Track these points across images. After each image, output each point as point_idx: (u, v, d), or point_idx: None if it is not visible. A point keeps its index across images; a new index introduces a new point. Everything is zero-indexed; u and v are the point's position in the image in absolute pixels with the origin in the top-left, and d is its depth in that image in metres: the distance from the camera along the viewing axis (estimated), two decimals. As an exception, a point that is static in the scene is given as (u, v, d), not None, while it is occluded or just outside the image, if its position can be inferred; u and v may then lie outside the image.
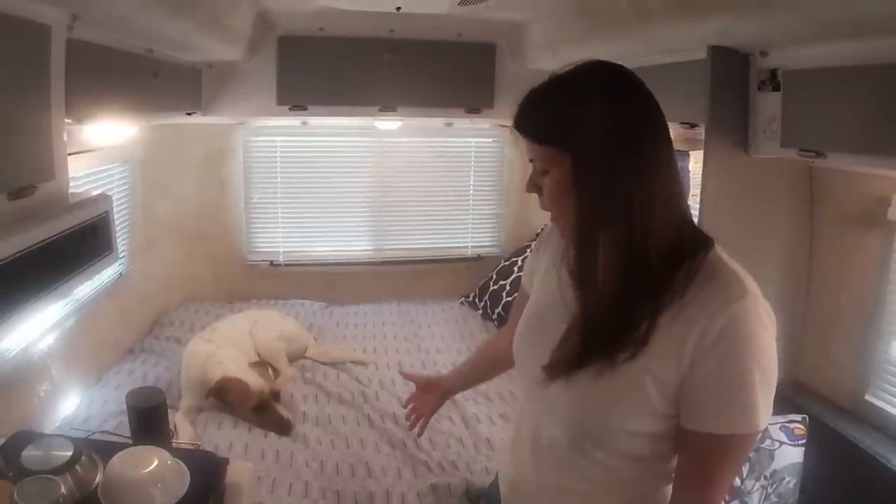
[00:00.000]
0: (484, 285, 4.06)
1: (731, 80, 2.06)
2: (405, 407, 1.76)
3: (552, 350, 1.07)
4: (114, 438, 1.85)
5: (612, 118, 0.95)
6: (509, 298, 3.69)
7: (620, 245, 0.96)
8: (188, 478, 1.43)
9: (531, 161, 1.05)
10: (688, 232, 1.01)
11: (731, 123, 2.10)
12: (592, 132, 0.95)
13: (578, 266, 1.03)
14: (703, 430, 0.94)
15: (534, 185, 1.06)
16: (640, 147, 0.96)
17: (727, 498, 2.01)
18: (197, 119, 3.27)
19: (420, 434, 1.72)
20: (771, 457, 2.06)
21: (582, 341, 1.01)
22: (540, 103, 1.02)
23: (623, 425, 1.00)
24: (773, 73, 1.97)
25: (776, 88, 1.97)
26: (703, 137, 2.15)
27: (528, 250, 3.76)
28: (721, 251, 1.00)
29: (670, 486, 1.06)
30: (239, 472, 1.67)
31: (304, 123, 3.87)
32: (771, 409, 0.95)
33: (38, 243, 1.45)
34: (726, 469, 0.99)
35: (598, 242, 0.99)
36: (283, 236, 4.18)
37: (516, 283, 3.66)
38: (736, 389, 0.92)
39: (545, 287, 1.21)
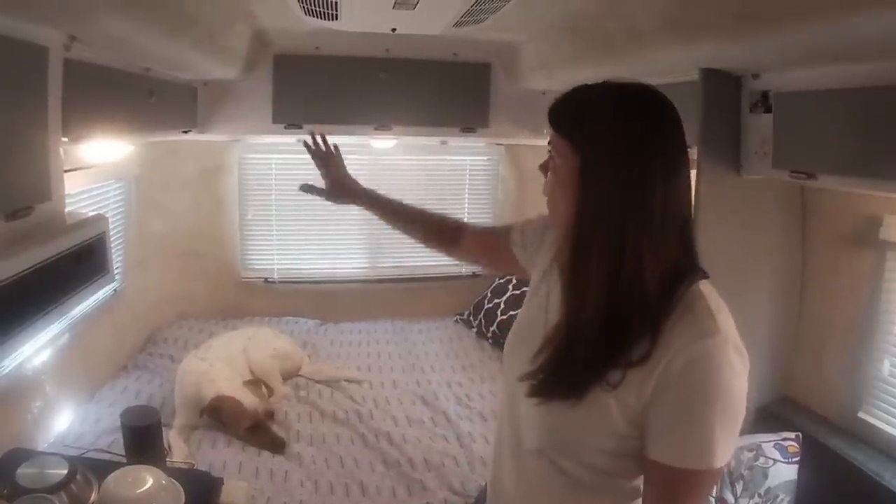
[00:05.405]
0: (479, 303, 4.06)
1: (723, 101, 2.09)
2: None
3: (529, 360, 1.07)
4: (108, 457, 1.85)
5: (631, 141, 0.95)
6: (504, 317, 3.69)
7: (608, 265, 0.95)
8: (183, 497, 1.44)
9: (548, 143, 1.06)
10: (684, 264, 1.00)
11: (723, 145, 2.12)
12: (606, 144, 0.96)
13: (569, 268, 1.03)
14: (659, 460, 0.96)
15: (545, 168, 1.08)
16: (649, 180, 0.95)
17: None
18: (192, 136, 3.27)
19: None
20: (765, 475, 2.06)
21: (556, 355, 1.03)
22: (576, 95, 1.04)
23: (589, 441, 1.03)
24: (765, 95, 1.99)
25: (768, 110, 1.99)
26: (695, 158, 2.17)
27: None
28: (705, 285, 0.99)
29: (638, 501, 1.07)
30: (233, 491, 1.67)
31: (300, 141, 3.86)
32: (732, 448, 0.96)
33: (34, 265, 1.43)
34: (686, 502, 0.98)
35: (590, 253, 0.97)
36: (277, 253, 4.18)
37: (511, 301, 3.68)
38: (692, 425, 0.93)
39: (534, 299, 1.23)
